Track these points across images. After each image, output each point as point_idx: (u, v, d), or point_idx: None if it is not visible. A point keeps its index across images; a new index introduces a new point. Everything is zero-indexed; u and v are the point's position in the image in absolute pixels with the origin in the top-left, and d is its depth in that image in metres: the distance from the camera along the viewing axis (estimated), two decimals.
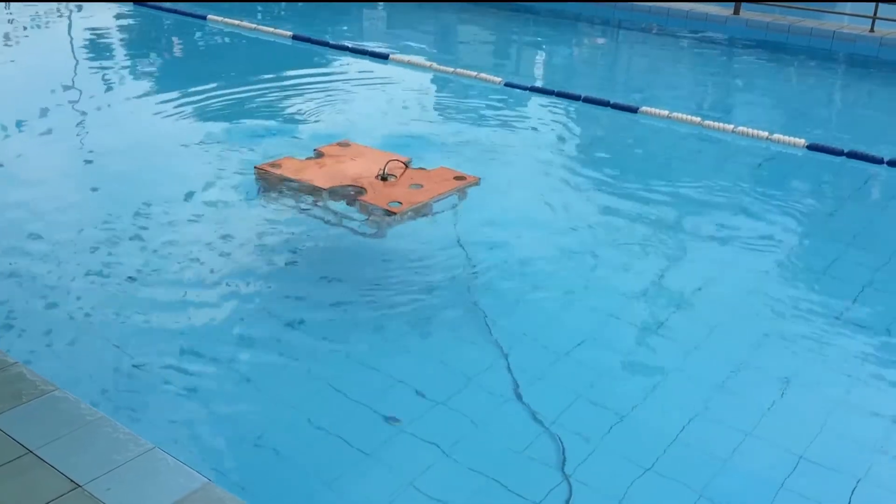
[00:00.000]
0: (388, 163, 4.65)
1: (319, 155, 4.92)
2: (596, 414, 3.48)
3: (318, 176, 4.67)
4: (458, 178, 4.65)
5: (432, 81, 8.48)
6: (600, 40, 10.98)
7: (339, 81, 8.27)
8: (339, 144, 5.02)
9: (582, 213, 5.41)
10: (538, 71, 9.71)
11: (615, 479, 3.13)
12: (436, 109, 7.63)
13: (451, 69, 8.60)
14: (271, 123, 6.79)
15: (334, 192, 4.59)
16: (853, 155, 6.43)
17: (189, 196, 5.24)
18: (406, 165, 4.67)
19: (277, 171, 4.70)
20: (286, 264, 4.55)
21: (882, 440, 3.37)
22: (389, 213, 4.39)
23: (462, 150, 6.37)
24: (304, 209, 4.68)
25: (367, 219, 4.48)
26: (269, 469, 3.16)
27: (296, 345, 3.91)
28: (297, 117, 7.01)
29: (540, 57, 10.33)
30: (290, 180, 4.69)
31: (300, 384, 3.65)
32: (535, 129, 7.11)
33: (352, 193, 4.61)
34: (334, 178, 4.64)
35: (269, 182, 4.73)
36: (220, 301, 4.22)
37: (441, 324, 4.11)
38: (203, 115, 7.02)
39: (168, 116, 6.90)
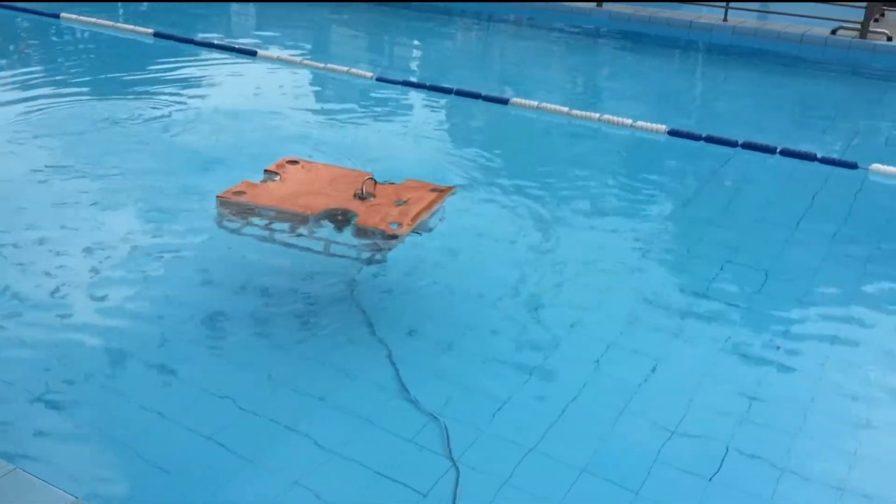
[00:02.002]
0: (365, 181, 4.22)
1: (273, 176, 4.36)
2: (479, 401, 3.54)
3: (293, 200, 4.13)
4: (434, 189, 4.31)
5: (302, 78, 8.39)
6: (472, 34, 11.12)
7: (205, 80, 8.05)
8: (289, 162, 4.50)
9: (455, 205, 5.47)
10: (411, 65, 9.75)
11: (501, 462, 3.20)
12: (306, 106, 7.55)
13: (322, 65, 8.52)
14: (135, 130, 6.54)
15: (320, 218, 3.97)
16: (711, 139, 6.77)
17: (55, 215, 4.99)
18: (375, 182, 4.26)
19: (245, 199, 4.02)
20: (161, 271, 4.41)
21: (745, 409, 3.57)
22: (392, 236, 3.88)
23: (336, 148, 6.34)
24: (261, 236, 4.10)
25: (368, 243, 4.03)
26: (146, 483, 3.06)
27: (168, 352, 3.80)
28: (157, 123, 6.74)
29: (413, 51, 10.38)
30: (267, 209, 4.00)
31: (175, 393, 3.54)
32: (407, 123, 7.14)
33: (339, 217, 4.03)
34: (312, 202, 4.04)
35: (232, 212, 4.03)
36: (93, 311, 4.05)
37: (321, 324, 4.08)
38: (47, 127, 6.69)
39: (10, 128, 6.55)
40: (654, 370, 3.81)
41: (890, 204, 5.90)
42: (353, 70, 8.31)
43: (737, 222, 5.42)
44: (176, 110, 6.97)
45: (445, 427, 3.34)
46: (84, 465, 3.12)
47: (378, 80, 8.13)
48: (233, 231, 4.11)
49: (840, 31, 9.95)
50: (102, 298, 4.15)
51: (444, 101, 7.75)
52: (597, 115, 7.23)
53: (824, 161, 6.39)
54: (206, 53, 8.94)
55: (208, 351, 3.83)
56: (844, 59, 9.66)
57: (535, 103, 7.44)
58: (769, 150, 6.58)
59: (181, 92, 7.51)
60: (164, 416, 3.37)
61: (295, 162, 4.48)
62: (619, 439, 3.36)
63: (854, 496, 3.11)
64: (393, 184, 4.32)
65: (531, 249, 4.90)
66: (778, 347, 4.01)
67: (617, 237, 5.18)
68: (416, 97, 7.85)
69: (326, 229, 4.04)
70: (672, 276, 4.77)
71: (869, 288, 4.64)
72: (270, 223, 4.07)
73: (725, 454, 3.29)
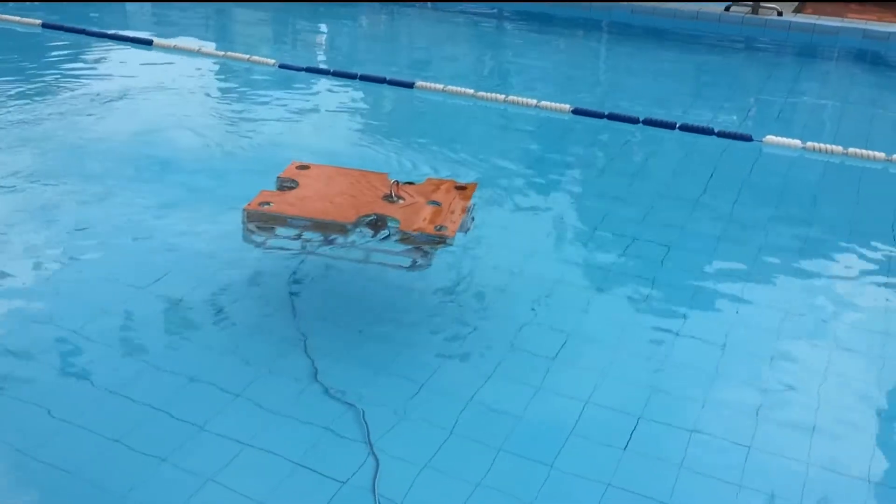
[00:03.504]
0: (392, 183, 4.01)
1: (292, 183, 4.10)
2: (397, 385, 3.54)
3: (324, 208, 3.89)
4: (458, 187, 4.17)
5: (202, 67, 8.16)
6: (378, 18, 11.01)
7: (97, 72, 7.76)
8: (298, 167, 4.26)
9: None
10: (314, 51, 9.61)
11: (420, 446, 3.20)
12: (206, 96, 7.35)
13: (222, 53, 8.32)
14: (20, 125, 6.27)
15: (358, 225, 3.75)
16: (613, 117, 6.90)
17: None
18: (398, 182, 4.04)
19: (275, 210, 3.78)
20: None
21: (655, 379, 3.67)
22: (441, 239, 3.71)
23: (239, 138, 6.22)
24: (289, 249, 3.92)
25: (409, 249, 3.68)
26: (50, 489, 2.95)
27: (72, 353, 3.67)
28: (49, 119, 6.49)
29: (316, 38, 10.23)
30: (301, 219, 3.76)
31: (80, 396, 3.42)
32: (312, 110, 7.05)
33: (378, 223, 3.82)
34: (343, 209, 3.81)
35: (257, 224, 3.78)
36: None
37: (233, 317, 4.00)
38: None
39: None
40: (564, 345, 3.87)
41: (784, 174, 6.13)
42: (255, 57, 8.13)
43: (641, 198, 5.55)
44: (66, 103, 6.70)
45: (363, 414, 3.33)
46: None
47: (281, 66, 7.98)
48: (259, 245, 3.87)
49: (733, 8, 10.26)
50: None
51: (349, 86, 7.67)
52: (502, 96, 7.28)
53: (721, 135, 6.59)
54: (98, 43, 8.61)
55: (114, 350, 3.70)
56: (738, 35, 9.97)
57: (441, 86, 7.44)
58: (669, 126, 6.75)
59: (69, 85, 7.21)
60: (68, 420, 3.26)
61: (305, 167, 4.26)
62: (535, 416, 3.41)
63: (759, 453, 3.24)
64: (412, 183, 4.15)
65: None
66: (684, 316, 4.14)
67: (524, 217, 5.23)
68: (320, 84, 7.74)
69: (357, 236, 3.84)
70: (581, 253, 4.85)
71: (767, 256, 4.82)
72: (300, 234, 3.84)
73: (637, 423, 3.38)
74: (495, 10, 10.80)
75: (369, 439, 3.21)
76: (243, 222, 3.82)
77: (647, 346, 3.91)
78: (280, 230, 3.84)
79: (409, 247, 3.75)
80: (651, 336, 4.01)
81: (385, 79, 7.64)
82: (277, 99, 7.21)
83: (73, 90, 7.05)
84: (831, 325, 4.13)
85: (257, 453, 3.14)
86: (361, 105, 7.45)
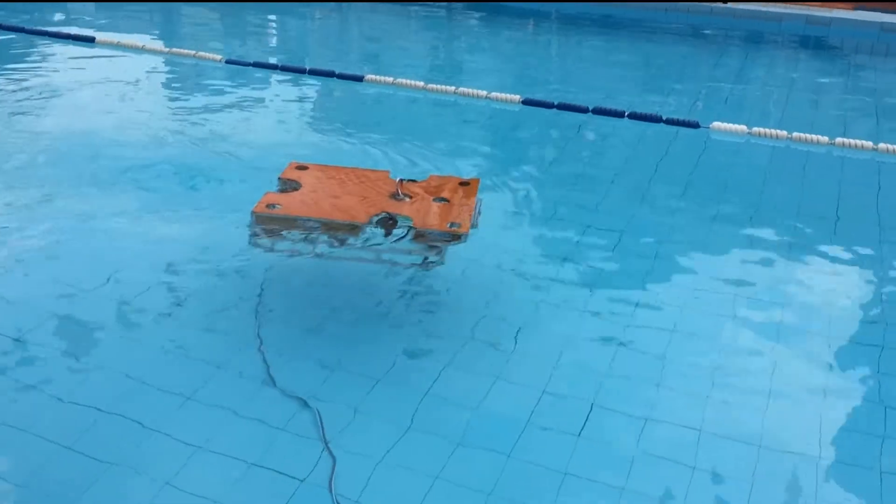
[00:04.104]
0: (398, 181, 3.96)
1: (293, 184, 4.00)
2: (352, 382, 3.52)
3: (332, 209, 3.81)
4: (462, 183, 4.13)
5: (147, 64, 8.01)
6: (328, 11, 10.92)
7: (38, 70, 7.58)
8: (297, 167, 4.16)
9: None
10: (263, 46, 9.50)
11: (377, 442, 3.19)
12: (152, 94, 7.22)
13: (168, 49, 8.19)
14: None
15: (370, 225, 3.71)
16: (563, 106, 6.94)
17: None
18: (402, 180, 3.99)
19: (283, 212, 3.70)
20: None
21: (609, 364, 3.70)
22: (455, 236, 3.71)
23: (188, 136, 6.13)
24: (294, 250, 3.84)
25: (422, 247, 3.70)
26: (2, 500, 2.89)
27: (20, 359, 3.59)
28: None
29: (265, 32, 10.12)
30: (310, 220, 3.70)
31: (26, 402, 3.35)
32: (261, 106, 6.97)
33: (390, 223, 3.78)
34: (352, 208, 3.76)
35: (264, 227, 3.71)
36: None
37: (182, 317, 3.95)
38: None
39: None
40: (518, 333, 3.89)
41: (730, 160, 6.23)
42: (201, 53, 8.02)
43: (593, 186, 5.59)
44: (3, 101, 6.54)
45: (318, 411, 3.31)
46: None
47: (228, 62, 7.88)
48: (269, 249, 3.79)
49: None
50: None
51: (298, 81, 7.60)
52: (452, 88, 7.27)
53: (669, 122, 6.67)
54: (39, 41, 8.42)
55: (63, 355, 3.63)
56: (685, 22, 10.09)
57: (391, 79, 7.41)
58: (618, 115, 6.80)
59: (6, 84, 7.04)
60: (15, 427, 3.19)
61: (304, 167, 4.17)
62: (491, 407, 3.42)
63: (709, 436, 3.29)
64: (415, 181, 4.11)
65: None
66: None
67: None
68: (269, 78, 7.66)
69: (366, 236, 3.81)
70: (534, 242, 4.88)
71: (716, 240, 4.90)
72: (307, 236, 3.77)
73: (591, 409, 3.41)
74: (445, 3, 10.78)
75: (324, 436, 3.19)
76: (250, 226, 3.73)
77: (601, 333, 3.95)
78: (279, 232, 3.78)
79: (422, 245, 3.73)
80: (604, 322, 4.04)
81: (334, 72, 7.59)
82: (224, 94, 7.12)
83: (9, 89, 6.88)
84: (780, 304, 4.21)
85: (213, 455, 3.10)
86: (310, 99, 7.39)
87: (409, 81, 7.37)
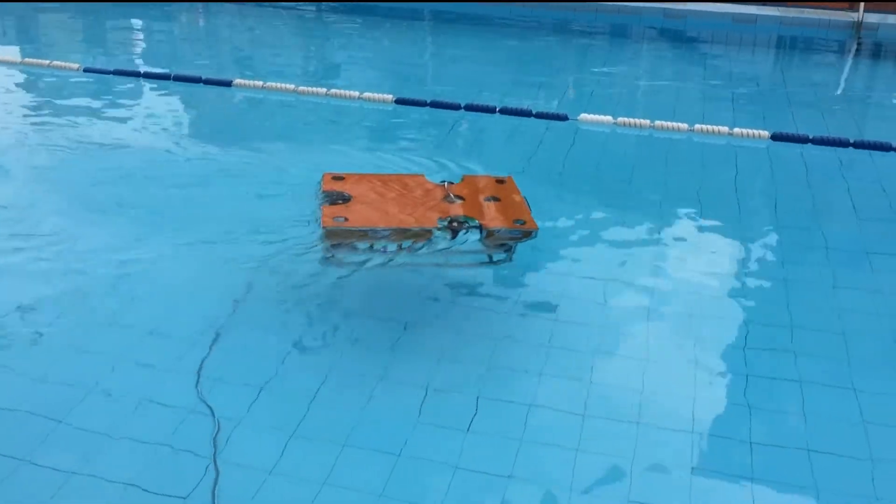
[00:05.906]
0: (446, 184, 3.85)
1: (341, 195, 3.85)
2: (236, 392, 3.43)
3: (399, 217, 3.73)
4: (498, 181, 4.06)
5: None
6: (195, 16, 10.63)
7: None
8: (334, 177, 3.95)
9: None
10: (124, 53, 9.15)
11: (263, 451, 3.12)
12: (3, 107, 6.83)
13: (20, 59, 7.77)
14: None
15: (440, 229, 3.76)
16: (436, 104, 6.99)
17: None
18: (447, 183, 3.92)
19: (357, 224, 3.67)
20: None
21: (490, 356, 3.74)
22: (526, 233, 3.79)
23: (52, 149, 5.84)
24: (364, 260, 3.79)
25: (494, 246, 3.79)
26: None
27: None
28: None
29: (127, 38, 9.75)
30: (384, 229, 3.70)
31: None
32: (124, 116, 6.71)
33: (455, 226, 3.82)
34: (417, 215, 3.77)
35: (334, 241, 3.68)
36: None
37: (45, 335, 3.76)
38: None
39: None
40: (405, 330, 3.89)
41: (598, 149, 6.43)
42: (56, 62, 7.64)
43: None
44: None
45: (200, 424, 3.21)
46: None
47: (87, 70, 7.54)
48: (343, 264, 3.71)
49: None
50: None
51: (162, 88, 7.36)
52: (324, 90, 7.21)
53: (539, 115, 6.82)
54: None
55: None
56: (551, 19, 10.35)
57: (261, 83, 7.27)
58: (490, 110, 6.91)
59: None
60: None
61: (340, 177, 4.08)
62: (379, 407, 3.40)
63: (593, 419, 3.37)
64: (452, 183, 4.12)
65: (280, 234, 4.80)
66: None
67: None
68: (131, 86, 7.38)
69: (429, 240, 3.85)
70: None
71: (586, 226, 5.04)
72: (372, 245, 3.75)
73: (478, 402, 3.44)
74: (317, 4, 10.67)
75: (214, 451, 3.10)
76: (322, 242, 3.62)
77: (482, 325, 3.99)
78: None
79: (491, 244, 3.82)
80: (486, 317, 4.08)
81: (201, 78, 7.39)
82: (82, 105, 6.81)
83: None
84: (651, 285, 4.36)
85: (84, 479, 2.95)
86: (176, 107, 7.17)
87: (279, 85, 7.25)
